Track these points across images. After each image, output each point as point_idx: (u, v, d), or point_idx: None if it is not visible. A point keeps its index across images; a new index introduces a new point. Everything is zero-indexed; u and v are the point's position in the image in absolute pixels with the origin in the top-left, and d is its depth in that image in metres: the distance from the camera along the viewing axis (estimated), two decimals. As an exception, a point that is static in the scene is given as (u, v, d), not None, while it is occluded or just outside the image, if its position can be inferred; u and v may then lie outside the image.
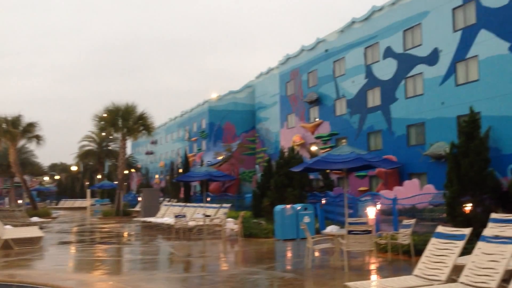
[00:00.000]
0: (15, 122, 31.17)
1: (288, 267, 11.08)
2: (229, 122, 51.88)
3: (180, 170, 44.19)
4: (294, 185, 20.81)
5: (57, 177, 78.96)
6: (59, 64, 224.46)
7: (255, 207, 22.52)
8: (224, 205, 20.45)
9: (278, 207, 16.32)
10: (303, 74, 38.89)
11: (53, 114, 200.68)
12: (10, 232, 15.33)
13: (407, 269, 8.58)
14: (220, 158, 46.62)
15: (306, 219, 15.46)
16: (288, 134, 40.42)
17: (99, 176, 55.32)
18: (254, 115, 51.95)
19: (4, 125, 29.00)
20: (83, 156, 56.35)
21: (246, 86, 53.42)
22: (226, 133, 51.60)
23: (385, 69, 29.14)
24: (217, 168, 36.98)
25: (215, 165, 42.60)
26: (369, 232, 9.87)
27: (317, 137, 35.89)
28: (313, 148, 35.18)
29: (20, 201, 45.78)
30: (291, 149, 24.45)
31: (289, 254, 13.25)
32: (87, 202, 41.09)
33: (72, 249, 15.53)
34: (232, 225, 17.30)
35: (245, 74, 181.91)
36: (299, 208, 16.12)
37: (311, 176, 28.86)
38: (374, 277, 9.48)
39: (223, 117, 52.00)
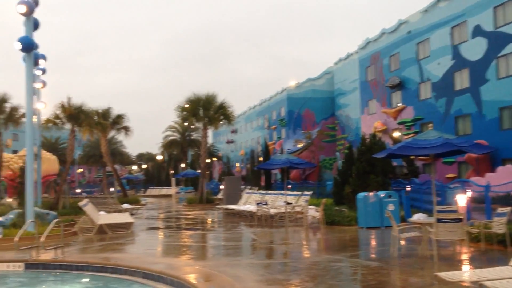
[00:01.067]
0: (105, 114, 33.02)
1: (373, 256, 10.80)
2: (308, 110, 51.51)
3: (260, 158, 44.64)
4: (377, 172, 20.26)
5: (144, 166, 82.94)
6: (142, 58, 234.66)
7: (337, 195, 22.21)
8: (305, 192, 20.37)
9: (361, 195, 15.97)
10: (384, 58, 37.63)
11: (138, 106, 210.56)
12: (104, 217, 16.29)
13: (503, 260, 8.04)
14: (300, 145, 46.49)
15: (391, 207, 15.01)
16: (369, 120, 39.39)
17: (182, 165, 57.33)
18: (333, 102, 51.17)
19: (95, 117, 30.79)
20: (167, 145, 58.58)
21: (325, 72, 52.69)
22: (306, 121, 51.30)
23: (474, 49, 27.43)
24: (297, 156, 36.91)
25: (295, 153, 42.56)
26: (459, 220, 9.35)
27: (400, 123, 34.67)
28: (396, 134, 34.01)
29: (111, 189, 48.67)
30: (373, 136, 23.80)
31: (373, 243, 12.92)
32: (172, 190, 42.76)
33: (160, 234, 16.21)
34: (314, 212, 17.20)
35: (322, 61, 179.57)
36: (382, 195, 15.66)
37: (394, 163, 27.96)
38: (466, 267, 8.98)
39: (302, 104, 51.72)
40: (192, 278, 8.11)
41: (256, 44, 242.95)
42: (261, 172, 38.43)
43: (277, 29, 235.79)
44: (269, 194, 23.24)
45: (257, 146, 62.28)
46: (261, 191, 26.06)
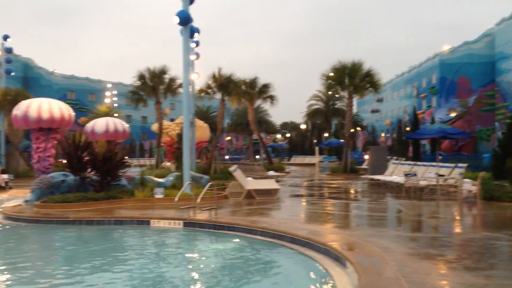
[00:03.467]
0: (252, 84, 34.12)
1: (541, 237, 9.65)
2: (463, 76, 47.50)
3: (408, 128, 42.58)
4: (546, 144, 17.95)
5: (288, 135, 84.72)
6: (284, 28, 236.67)
7: (496, 168, 20.22)
8: (459, 164, 18.92)
9: (526, 169, 14.30)
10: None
11: (282, 76, 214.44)
12: (252, 183, 16.98)
13: None
14: (454, 114, 43.27)
15: None
16: (537, 86, 35.01)
17: (326, 134, 57.24)
18: (493, 67, 46.41)
19: (243, 87, 31.98)
20: (311, 115, 58.85)
21: (484, 35, 47.87)
22: (460, 88, 47.46)
23: None
24: (450, 126, 34.42)
25: (448, 122, 39.78)
26: None
27: None
28: None
29: (257, 156, 50.59)
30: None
31: (540, 222, 11.55)
32: (315, 159, 43.03)
33: (304, 202, 16.41)
34: (469, 186, 15.91)
35: (476, 23, 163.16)
36: (553, 170, 13.86)
37: None
38: None
39: (456, 70, 47.83)
40: (338, 245, 8.05)
41: (398, 10, 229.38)
42: (409, 142, 36.66)
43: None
44: (418, 165, 22.07)
45: (404, 115, 59.51)
46: (409, 162, 24.87)
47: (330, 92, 38.68)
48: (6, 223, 13.08)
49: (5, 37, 36.23)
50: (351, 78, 30.78)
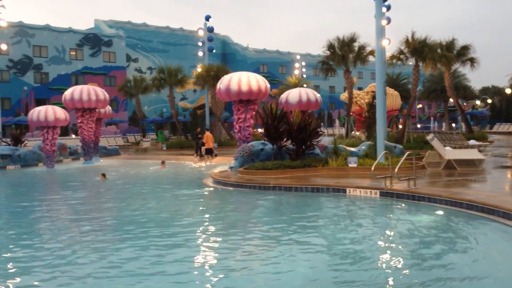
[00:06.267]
0: (449, 46, 31.49)
1: None
2: None
3: None
4: None
5: (489, 101, 76.70)
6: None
7: None
8: None
9: None
10: None
11: (481, 36, 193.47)
12: (452, 153, 15.82)
13: None
14: None
15: None
16: None
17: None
18: None
19: (439, 50, 29.73)
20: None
21: None
22: None
23: None
24: None
25: None
26: None
27: None
28: None
29: (453, 125, 47.09)
30: None
31: None
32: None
33: (514, 174, 14.72)
34: None
35: None
36: None
37: None
38: None
39: None
40: None
41: None
42: None
43: None
44: None
45: None
46: None
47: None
48: (216, 187, 14.56)
49: (207, 18, 39.71)
50: None
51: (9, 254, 7.32)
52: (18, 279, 6.14)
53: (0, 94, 41.53)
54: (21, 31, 47.51)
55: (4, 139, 29.51)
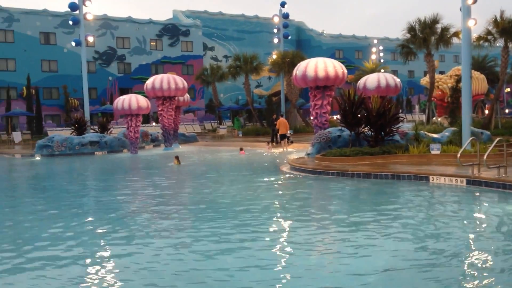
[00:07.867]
0: None
1: None
2: None
3: None
4: None
5: None
6: None
7: None
8: None
9: None
10: None
11: None
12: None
13: None
14: None
15: None
16: None
17: None
18: None
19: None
20: None
21: None
22: None
23: None
24: None
25: None
26: None
27: None
28: None
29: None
30: None
31: None
32: None
33: None
34: None
35: None
36: None
37: None
38: None
39: None
40: None
41: None
42: None
43: None
44: None
45: None
46: None
47: None
48: (294, 173, 14.57)
49: (282, 4, 39.57)
50: None
51: (106, 225, 7.78)
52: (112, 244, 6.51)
53: (88, 84, 43.99)
54: (106, 23, 49.97)
55: (92, 127, 31.34)
